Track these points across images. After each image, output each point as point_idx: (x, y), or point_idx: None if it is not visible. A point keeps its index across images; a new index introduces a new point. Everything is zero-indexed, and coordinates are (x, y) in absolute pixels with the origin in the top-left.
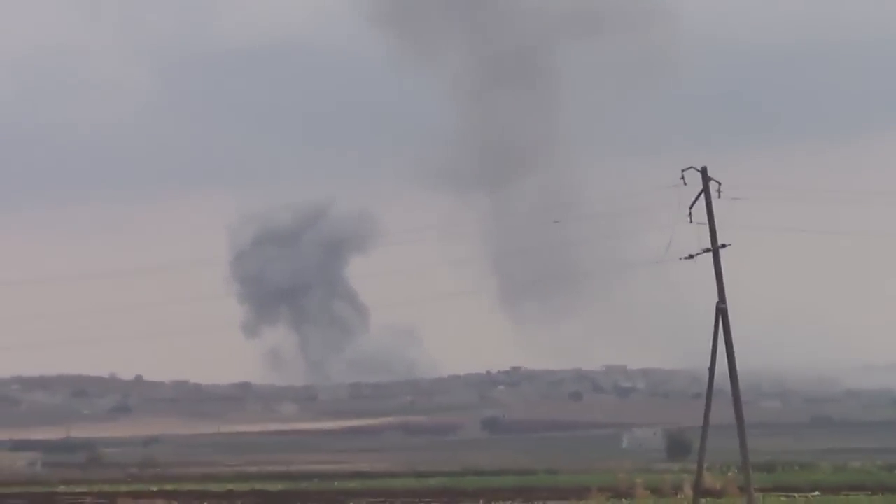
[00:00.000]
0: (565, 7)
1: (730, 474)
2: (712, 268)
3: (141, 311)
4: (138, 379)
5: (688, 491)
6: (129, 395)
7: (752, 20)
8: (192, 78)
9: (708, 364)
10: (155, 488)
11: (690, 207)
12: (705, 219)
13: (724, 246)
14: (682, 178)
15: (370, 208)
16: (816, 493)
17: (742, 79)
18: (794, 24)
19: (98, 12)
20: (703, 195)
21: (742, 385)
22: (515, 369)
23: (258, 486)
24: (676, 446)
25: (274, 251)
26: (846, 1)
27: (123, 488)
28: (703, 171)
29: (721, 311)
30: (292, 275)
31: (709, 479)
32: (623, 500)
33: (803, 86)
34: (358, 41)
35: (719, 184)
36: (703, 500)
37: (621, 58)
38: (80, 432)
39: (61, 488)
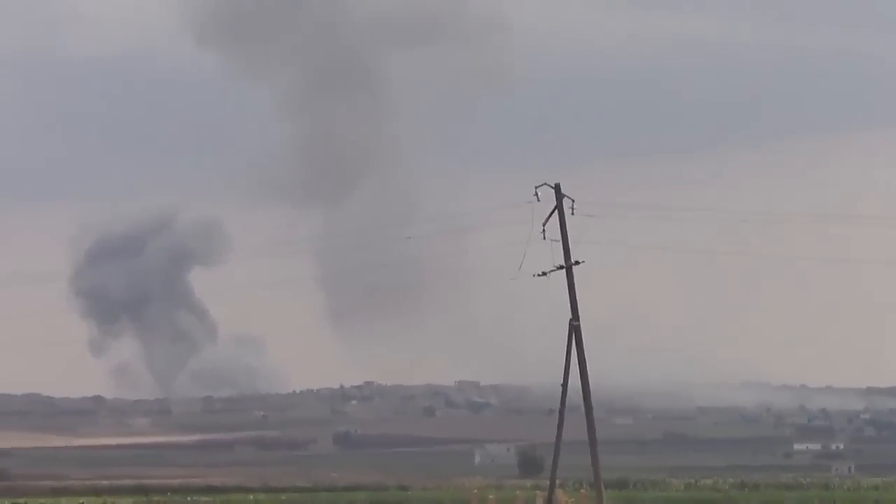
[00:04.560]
0: (396, 17)
1: (582, 491)
2: (565, 284)
3: None
4: None
5: None
6: None
7: (588, 38)
8: (30, 90)
9: (561, 381)
10: (7, 502)
11: (544, 224)
12: (559, 235)
13: (577, 263)
14: (536, 194)
15: (210, 221)
16: None
17: (584, 94)
18: (631, 42)
19: None
20: (556, 212)
21: (595, 402)
22: (368, 384)
23: (110, 499)
24: (529, 462)
25: (115, 264)
26: (691, 16)
27: None
28: (557, 188)
29: (574, 328)
30: (134, 287)
31: (561, 496)
32: None
33: (651, 101)
34: (190, 57)
35: (573, 200)
36: None
37: (455, 68)
38: None
39: None
